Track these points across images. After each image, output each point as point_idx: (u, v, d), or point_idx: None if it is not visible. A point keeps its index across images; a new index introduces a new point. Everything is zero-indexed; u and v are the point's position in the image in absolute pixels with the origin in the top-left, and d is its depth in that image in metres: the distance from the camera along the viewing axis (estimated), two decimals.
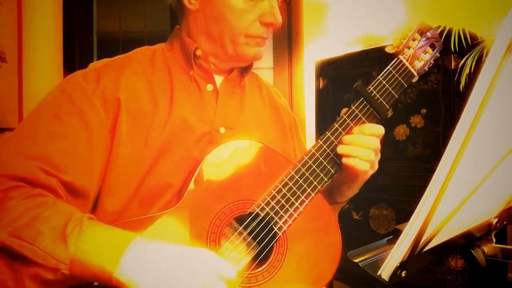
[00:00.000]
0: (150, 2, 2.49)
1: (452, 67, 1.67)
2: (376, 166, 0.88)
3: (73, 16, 2.39)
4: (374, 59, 1.97)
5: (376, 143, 0.85)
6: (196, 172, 0.77)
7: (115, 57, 0.88)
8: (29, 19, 2.31)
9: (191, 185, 0.77)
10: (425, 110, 1.77)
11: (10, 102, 2.27)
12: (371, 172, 0.88)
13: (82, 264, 0.61)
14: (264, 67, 2.49)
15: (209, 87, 0.89)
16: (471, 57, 1.56)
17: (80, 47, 2.40)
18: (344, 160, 0.83)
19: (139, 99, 0.82)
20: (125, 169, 0.78)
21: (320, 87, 2.22)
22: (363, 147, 0.83)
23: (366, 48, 2.08)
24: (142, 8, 2.48)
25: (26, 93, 2.30)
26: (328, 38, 2.43)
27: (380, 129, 0.86)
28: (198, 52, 0.88)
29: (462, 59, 1.61)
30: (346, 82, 2.07)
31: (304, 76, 2.45)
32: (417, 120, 1.80)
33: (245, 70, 0.95)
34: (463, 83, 1.60)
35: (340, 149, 0.83)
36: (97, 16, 2.46)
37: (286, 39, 2.49)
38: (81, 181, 0.74)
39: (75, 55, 2.39)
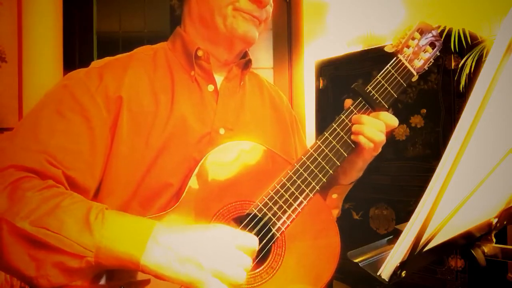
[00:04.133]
0: (150, 2, 2.49)
1: (452, 67, 1.67)
2: (379, 149, 0.90)
3: (73, 16, 2.39)
4: (374, 59, 1.96)
5: (382, 126, 0.87)
6: (195, 172, 0.77)
7: (117, 56, 0.88)
8: (29, 19, 2.31)
9: (190, 185, 0.77)
10: (425, 110, 1.77)
11: (10, 102, 2.27)
12: (374, 154, 0.90)
13: (108, 251, 0.62)
14: (264, 67, 2.49)
15: (210, 87, 0.89)
16: (471, 57, 1.56)
17: (80, 47, 2.40)
18: (353, 136, 0.85)
19: (141, 98, 0.82)
20: (125, 168, 0.78)
21: (320, 87, 2.22)
22: (373, 127, 0.85)
23: (366, 48, 2.08)
24: (142, 8, 2.48)
25: (26, 93, 2.29)
26: (328, 38, 2.43)
27: (394, 120, 0.88)
28: (200, 53, 0.88)
29: (462, 59, 1.61)
30: (346, 82, 2.07)
31: (304, 76, 2.45)
32: (417, 120, 1.80)
33: (245, 67, 0.95)
34: (463, 83, 1.60)
35: (354, 127, 0.86)
36: (97, 16, 2.46)
37: (286, 39, 2.49)
38: (83, 178, 0.75)
39: (75, 55, 2.39)
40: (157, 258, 0.62)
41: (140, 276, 0.67)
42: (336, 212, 1.00)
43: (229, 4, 0.84)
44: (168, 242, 0.63)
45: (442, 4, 1.88)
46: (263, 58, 2.49)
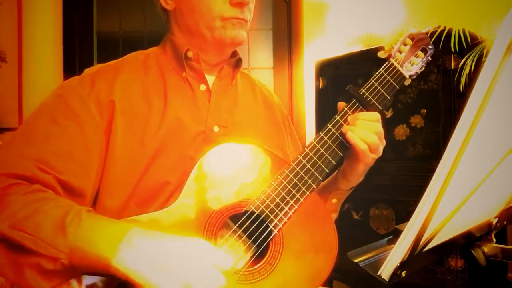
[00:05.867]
0: (150, 2, 2.49)
1: (452, 67, 1.67)
2: (380, 151, 0.88)
3: (73, 16, 2.39)
4: (374, 59, 1.96)
5: (376, 127, 0.86)
6: (192, 171, 0.78)
7: (109, 62, 0.90)
8: (29, 19, 2.31)
9: (187, 185, 0.77)
10: (425, 110, 1.77)
11: (10, 102, 2.27)
12: (372, 156, 0.87)
13: (81, 253, 0.62)
14: (264, 67, 2.49)
15: (202, 87, 0.91)
16: (471, 57, 1.56)
17: (80, 47, 2.40)
18: (348, 135, 0.84)
19: (133, 101, 0.83)
20: (122, 170, 0.80)
21: (320, 87, 2.22)
22: (365, 129, 0.84)
23: (366, 48, 2.08)
24: (142, 8, 2.48)
25: (26, 93, 2.29)
26: (328, 38, 2.43)
27: (374, 115, 0.87)
28: (189, 54, 0.90)
29: (462, 59, 1.60)
30: (346, 82, 2.06)
31: (304, 76, 2.45)
32: (417, 120, 1.80)
33: (236, 66, 0.97)
34: (463, 83, 1.60)
35: (345, 128, 0.85)
36: (97, 16, 2.46)
37: (286, 39, 2.49)
38: (77, 181, 0.76)
39: (75, 55, 2.39)
40: (128, 262, 0.61)
41: None
42: (334, 216, 1.01)
43: (216, 17, 0.86)
44: (142, 247, 0.62)
45: (442, 4, 1.88)
46: (263, 58, 2.49)
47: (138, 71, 0.88)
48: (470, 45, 1.59)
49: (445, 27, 1.59)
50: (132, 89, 0.85)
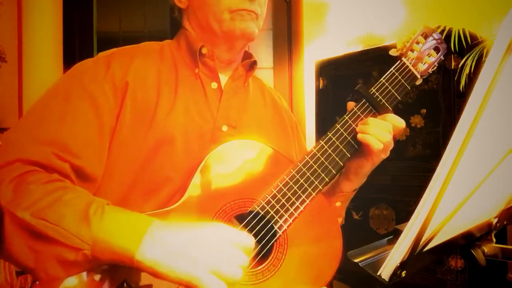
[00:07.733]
0: (150, 2, 2.49)
1: (452, 67, 1.67)
2: (388, 153, 0.89)
3: (73, 16, 2.39)
4: (374, 59, 1.97)
5: (389, 127, 0.86)
6: (198, 169, 0.78)
7: (123, 47, 0.89)
8: (29, 19, 2.31)
9: (192, 183, 0.77)
10: (425, 110, 1.77)
11: (10, 102, 2.27)
12: (383, 156, 0.88)
13: (105, 245, 0.62)
14: (264, 67, 2.49)
15: (214, 85, 0.90)
16: (471, 57, 1.56)
17: (80, 47, 2.40)
18: (359, 136, 0.84)
19: (146, 87, 0.82)
20: (124, 157, 0.79)
21: (320, 87, 2.22)
22: (379, 128, 0.84)
23: (366, 48, 2.08)
24: (142, 8, 2.48)
25: (26, 93, 2.29)
26: (328, 38, 2.43)
27: (401, 121, 0.88)
28: (204, 50, 0.89)
29: (462, 59, 1.61)
30: (346, 82, 2.07)
31: (304, 76, 2.45)
32: (417, 120, 1.80)
33: (250, 68, 0.96)
34: (463, 83, 1.60)
35: (359, 128, 0.85)
36: (97, 16, 2.46)
37: (286, 39, 2.49)
38: (92, 166, 0.75)
39: (75, 55, 2.39)
40: (152, 253, 0.61)
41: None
42: (340, 220, 1.00)
43: (225, 10, 0.85)
44: (164, 238, 0.63)
45: (442, 4, 1.88)
46: (263, 58, 2.49)
47: (154, 58, 0.88)
48: (470, 45, 1.60)
49: (445, 27, 1.59)
50: (146, 75, 0.84)
